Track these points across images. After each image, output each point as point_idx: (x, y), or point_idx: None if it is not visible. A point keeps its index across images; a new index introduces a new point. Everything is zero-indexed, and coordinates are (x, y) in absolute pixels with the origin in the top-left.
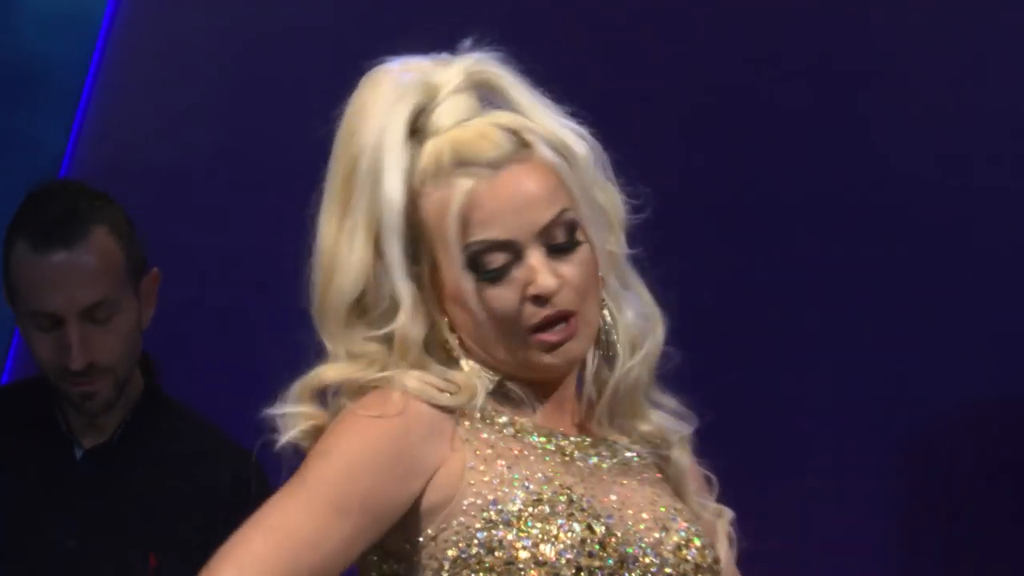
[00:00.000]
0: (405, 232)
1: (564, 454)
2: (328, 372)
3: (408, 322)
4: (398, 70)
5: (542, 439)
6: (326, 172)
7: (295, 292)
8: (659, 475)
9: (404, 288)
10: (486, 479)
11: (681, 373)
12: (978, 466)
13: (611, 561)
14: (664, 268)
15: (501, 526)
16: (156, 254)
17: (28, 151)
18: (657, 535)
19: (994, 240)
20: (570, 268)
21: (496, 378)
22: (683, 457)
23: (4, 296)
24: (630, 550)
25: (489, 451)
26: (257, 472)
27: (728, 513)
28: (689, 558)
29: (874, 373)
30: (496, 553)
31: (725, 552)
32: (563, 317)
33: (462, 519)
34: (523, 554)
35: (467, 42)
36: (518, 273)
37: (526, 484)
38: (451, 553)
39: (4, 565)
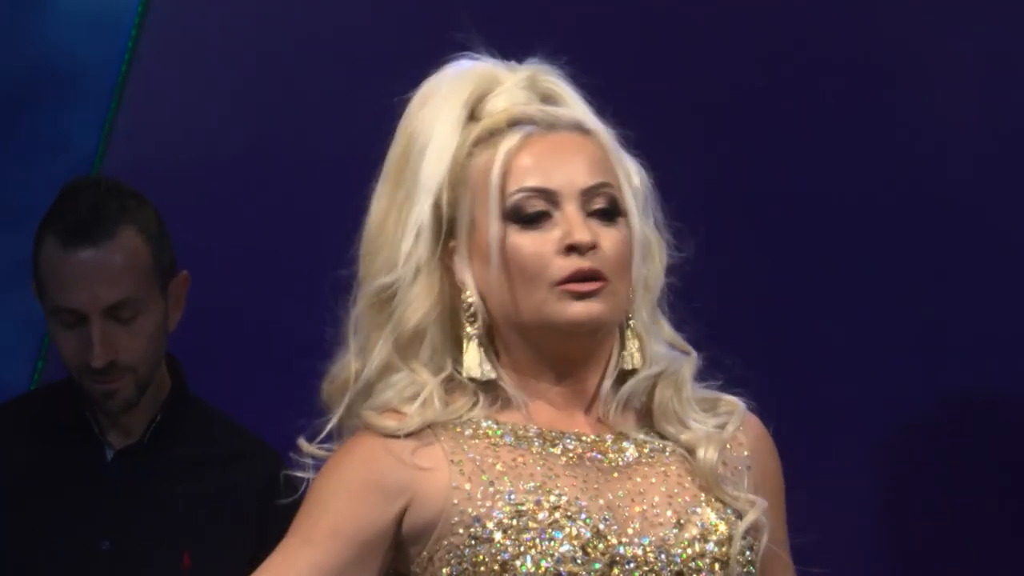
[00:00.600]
0: (444, 200)
1: (570, 455)
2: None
3: (421, 285)
4: (466, 61)
5: (546, 444)
6: (369, 168)
7: (327, 292)
8: (689, 466)
9: (425, 250)
10: (470, 496)
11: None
12: (980, 467)
13: (598, 565)
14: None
15: (485, 542)
16: (186, 253)
17: (59, 151)
18: (667, 531)
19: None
20: (607, 237)
21: (491, 375)
22: (710, 454)
23: (35, 293)
24: (626, 550)
25: (474, 468)
26: (285, 473)
27: (760, 503)
28: (707, 550)
29: (898, 374)
30: (482, 568)
31: (758, 545)
32: (594, 275)
33: (451, 538)
34: (502, 569)
35: (532, 59)
36: (555, 223)
37: (509, 496)
38: (445, 572)
39: (39, 568)
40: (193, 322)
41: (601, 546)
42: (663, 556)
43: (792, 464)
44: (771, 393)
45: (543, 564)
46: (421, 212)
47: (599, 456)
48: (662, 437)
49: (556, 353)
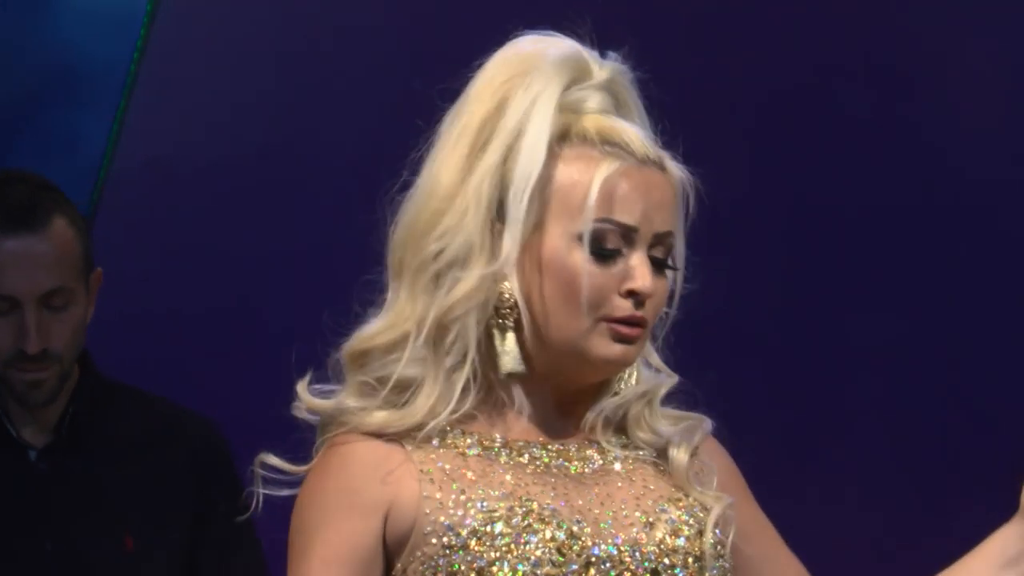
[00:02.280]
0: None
1: (537, 464)
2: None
3: (477, 282)
4: (553, 42)
5: (513, 453)
6: (381, 166)
7: (338, 287)
8: (661, 470)
9: (515, 247)
10: (441, 505)
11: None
12: (986, 468)
13: (575, 566)
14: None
15: (459, 550)
16: (195, 252)
17: (69, 150)
18: (638, 530)
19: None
20: (660, 285)
21: (522, 369)
22: (681, 455)
23: None
24: (601, 550)
25: (444, 477)
26: (219, 437)
27: (725, 499)
28: (678, 546)
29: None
30: None
31: (725, 537)
32: (639, 323)
33: (425, 548)
34: (480, 574)
35: (612, 54)
36: (622, 263)
37: (481, 503)
38: None
39: None
40: (202, 321)
41: (576, 547)
42: (637, 555)
43: (800, 466)
44: (782, 395)
45: (520, 568)
46: (520, 213)
47: (564, 464)
48: (626, 446)
49: (570, 376)
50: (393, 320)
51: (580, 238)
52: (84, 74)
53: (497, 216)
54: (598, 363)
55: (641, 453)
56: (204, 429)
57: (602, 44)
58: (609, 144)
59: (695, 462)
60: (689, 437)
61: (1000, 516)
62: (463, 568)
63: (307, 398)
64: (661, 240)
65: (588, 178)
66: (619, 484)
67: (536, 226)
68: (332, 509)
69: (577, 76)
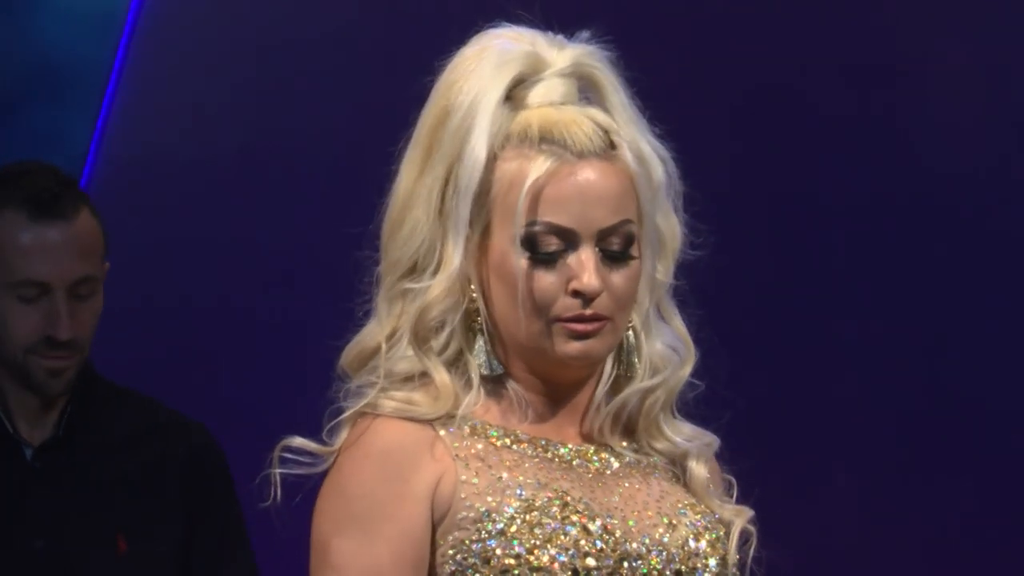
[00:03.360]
0: (476, 195)
1: (563, 461)
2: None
3: (445, 286)
4: (510, 36)
5: (538, 449)
6: (364, 166)
7: (320, 288)
8: (674, 475)
9: (458, 252)
10: (478, 491)
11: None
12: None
13: (610, 560)
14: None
15: (495, 536)
16: (178, 250)
17: (52, 148)
18: (662, 531)
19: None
20: (617, 278)
21: (500, 370)
22: (700, 468)
23: None
24: (631, 546)
25: (480, 463)
26: (212, 441)
27: (747, 512)
28: (700, 549)
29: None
30: (491, 563)
31: (734, 550)
32: (595, 319)
33: (457, 533)
34: (516, 562)
35: (584, 33)
36: (567, 263)
37: (519, 491)
38: (448, 568)
39: None
40: (185, 318)
41: (611, 541)
42: (663, 555)
43: (797, 463)
44: (780, 392)
45: (560, 559)
46: (463, 215)
47: (584, 463)
48: (638, 451)
49: (548, 374)
50: (374, 327)
51: (521, 242)
52: (66, 73)
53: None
54: (559, 361)
55: (653, 459)
56: (198, 434)
57: (603, 35)
58: (547, 141)
59: (715, 473)
60: (708, 451)
61: (999, 515)
62: (500, 553)
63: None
64: (613, 233)
65: (521, 180)
66: (637, 487)
67: (485, 231)
68: (386, 499)
69: (527, 70)
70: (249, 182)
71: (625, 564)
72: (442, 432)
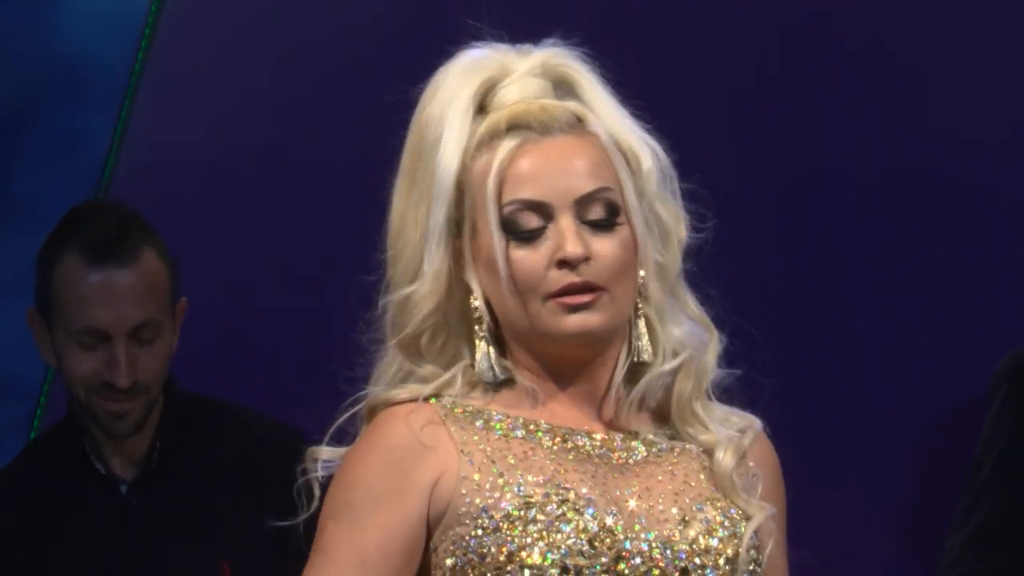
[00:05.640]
0: (453, 201)
1: (580, 451)
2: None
3: (427, 289)
4: (477, 51)
5: (556, 439)
6: (384, 168)
7: (341, 288)
8: (703, 465)
9: (437, 256)
10: (478, 487)
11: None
12: None
13: (605, 558)
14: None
15: (491, 533)
16: (199, 253)
17: (74, 149)
18: (672, 527)
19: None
20: (604, 245)
21: (503, 376)
22: (727, 459)
23: (34, 315)
24: (631, 545)
25: (484, 459)
26: (304, 446)
27: (768, 508)
28: (711, 547)
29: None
30: (487, 560)
31: (763, 548)
32: (588, 288)
33: (458, 528)
34: (509, 559)
35: (549, 40)
36: (549, 238)
37: (518, 488)
38: (449, 562)
39: None
40: (208, 319)
41: (608, 540)
42: (668, 552)
43: (807, 465)
44: (788, 390)
45: (550, 556)
46: (436, 221)
47: (608, 453)
48: (674, 438)
49: (559, 358)
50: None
51: (501, 227)
52: (88, 74)
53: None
54: (563, 339)
55: (688, 446)
56: (292, 441)
57: (604, 29)
58: (513, 128)
59: (743, 465)
60: (739, 440)
61: None
62: (493, 551)
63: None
64: (592, 200)
65: (489, 168)
66: (659, 478)
67: (472, 231)
68: (384, 491)
69: (496, 75)
70: (271, 183)
71: (622, 563)
72: (452, 428)
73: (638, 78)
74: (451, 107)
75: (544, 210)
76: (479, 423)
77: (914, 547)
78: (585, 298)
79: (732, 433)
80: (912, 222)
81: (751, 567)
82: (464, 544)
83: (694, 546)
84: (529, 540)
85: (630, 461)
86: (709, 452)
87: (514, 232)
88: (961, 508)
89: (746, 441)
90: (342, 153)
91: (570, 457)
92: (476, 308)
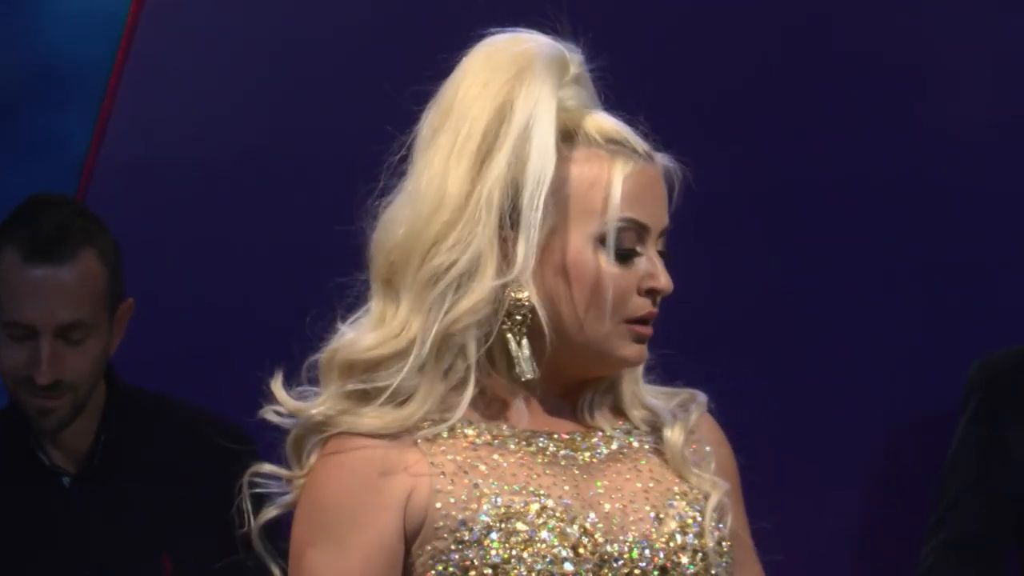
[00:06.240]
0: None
1: (546, 454)
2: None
3: (489, 292)
4: (540, 38)
5: (522, 443)
6: (365, 166)
7: (319, 289)
8: (661, 458)
9: (531, 255)
10: (453, 500)
11: (685, 373)
12: None
13: (589, 564)
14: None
15: (472, 546)
16: (178, 254)
17: (52, 150)
18: (648, 526)
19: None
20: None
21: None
22: (675, 435)
23: None
24: (613, 548)
25: (456, 470)
26: (249, 443)
27: (722, 485)
28: (687, 543)
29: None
30: (470, 573)
31: (723, 526)
32: (653, 321)
33: (435, 543)
34: (494, 572)
35: (572, 45)
36: (639, 262)
37: (495, 499)
38: None
39: None
40: (185, 321)
41: (590, 545)
42: (647, 552)
43: (794, 466)
44: (773, 394)
45: (537, 566)
46: (532, 219)
47: (572, 454)
48: (630, 432)
49: (583, 372)
50: (392, 332)
51: (601, 240)
52: (65, 74)
53: (507, 223)
54: (617, 363)
55: (641, 439)
56: (238, 441)
57: (590, 33)
58: (612, 142)
59: (692, 441)
60: (684, 415)
61: None
62: (476, 563)
63: (286, 400)
64: (662, 234)
65: (605, 179)
66: (627, 476)
67: (552, 231)
68: (358, 509)
69: (562, 73)
70: (250, 185)
71: (606, 567)
72: (419, 440)
73: (628, 78)
74: (543, 102)
75: (643, 234)
76: (444, 432)
77: (886, 553)
78: (650, 331)
79: (676, 409)
80: (895, 222)
81: (724, 559)
82: (444, 559)
83: (671, 543)
84: (514, 552)
85: (594, 460)
86: (658, 432)
87: (619, 250)
88: (935, 515)
89: (693, 416)
90: (322, 154)
91: (539, 461)
92: (524, 304)
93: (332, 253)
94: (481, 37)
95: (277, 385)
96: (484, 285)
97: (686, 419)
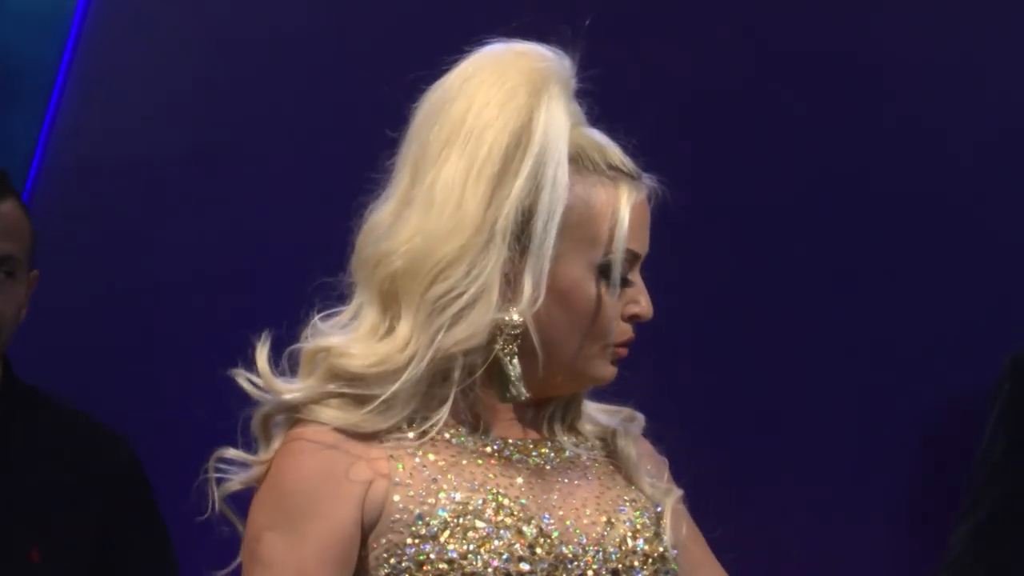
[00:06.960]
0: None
1: (503, 456)
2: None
3: (496, 314)
4: (548, 52)
5: (480, 444)
6: (314, 167)
7: (270, 290)
8: (612, 468)
9: (542, 282)
10: (411, 493)
11: (682, 373)
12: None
13: (545, 564)
14: (664, 267)
15: (429, 540)
16: (124, 252)
17: (0, 148)
18: (600, 530)
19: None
20: None
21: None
22: (628, 446)
23: None
24: (567, 549)
25: (415, 464)
26: (132, 455)
27: (676, 492)
28: (638, 548)
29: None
30: (425, 567)
31: (678, 533)
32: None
33: (391, 536)
34: (450, 567)
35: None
36: (627, 289)
37: (453, 494)
38: (383, 570)
39: None
40: (130, 320)
41: (547, 544)
42: (600, 555)
43: (811, 463)
44: (768, 395)
45: (494, 563)
46: (545, 247)
47: (527, 459)
48: (578, 445)
49: (555, 388)
50: (396, 348)
51: (599, 269)
52: (13, 74)
53: (514, 248)
54: (591, 381)
55: (591, 451)
56: (118, 447)
57: (574, 34)
58: (611, 168)
59: (641, 453)
60: (631, 428)
61: None
62: (432, 558)
63: (266, 372)
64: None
65: (611, 210)
66: (577, 482)
67: (554, 257)
68: (318, 498)
69: (570, 93)
70: (197, 183)
71: (560, 568)
72: (383, 435)
73: (614, 80)
74: (557, 124)
75: (634, 262)
76: (405, 425)
77: (915, 546)
78: (627, 352)
79: (624, 423)
80: (905, 223)
81: (674, 567)
82: (399, 552)
83: (623, 547)
84: (471, 547)
85: (547, 467)
86: (611, 452)
87: (612, 279)
88: (964, 505)
89: (636, 429)
90: (270, 153)
91: (492, 462)
92: (518, 325)
93: (284, 252)
94: (467, 36)
95: (262, 355)
96: (487, 316)
97: (633, 432)
